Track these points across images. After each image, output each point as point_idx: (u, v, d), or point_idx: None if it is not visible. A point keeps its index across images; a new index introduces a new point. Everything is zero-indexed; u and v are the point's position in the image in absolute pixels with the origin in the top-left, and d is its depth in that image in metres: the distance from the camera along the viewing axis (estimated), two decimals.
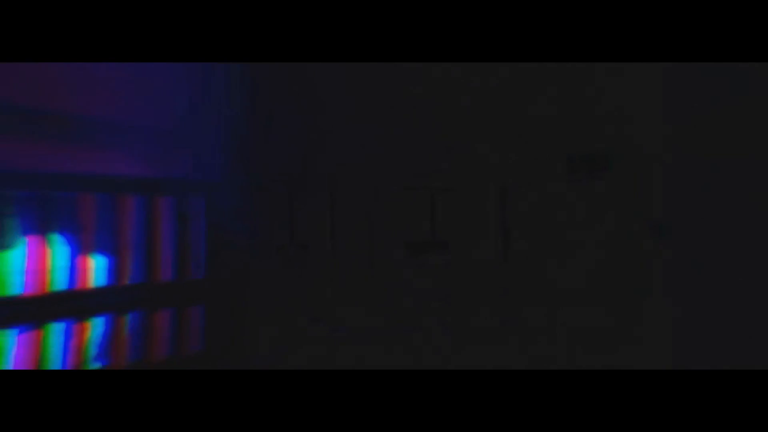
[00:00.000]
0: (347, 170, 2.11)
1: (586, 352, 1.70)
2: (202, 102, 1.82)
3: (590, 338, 1.72)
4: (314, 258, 2.06)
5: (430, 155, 2.16)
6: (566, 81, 1.83)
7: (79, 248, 1.45)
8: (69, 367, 1.43)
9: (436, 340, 1.94)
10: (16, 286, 1.34)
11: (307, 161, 2.05)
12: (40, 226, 1.39)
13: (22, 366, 1.35)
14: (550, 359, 1.76)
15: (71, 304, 1.43)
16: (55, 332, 1.42)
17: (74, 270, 1.45)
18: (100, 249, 1.51)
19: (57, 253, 1.45)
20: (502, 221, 1.98)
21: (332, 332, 1.91)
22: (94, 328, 1.51)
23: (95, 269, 1.59)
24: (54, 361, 1.41)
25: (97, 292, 1.49)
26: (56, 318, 1.42)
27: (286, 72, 1.93)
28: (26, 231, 1.39)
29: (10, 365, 1.34)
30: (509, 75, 1.96)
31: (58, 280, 1.45)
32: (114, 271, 1.52)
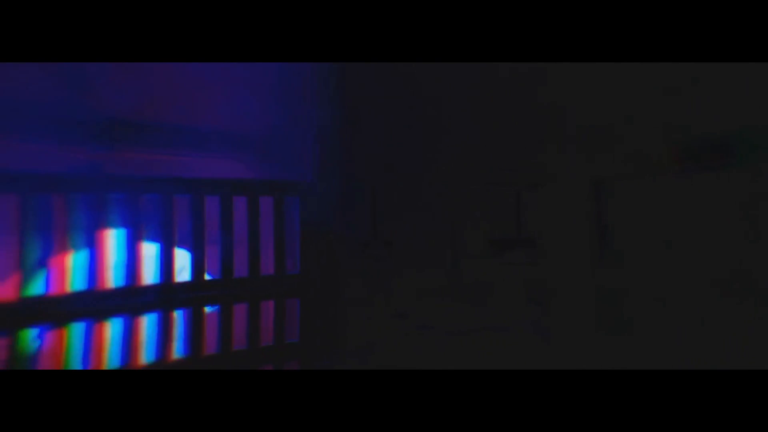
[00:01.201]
0: (429, 166, 2.16)
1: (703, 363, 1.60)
2: (296, 107, 1.98)
3: (709, 351, 1.60)
4: (398, 255, 2.13)
5: (514, 148, 2.14)
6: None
7: (195, 245, 1.66)
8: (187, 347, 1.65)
9: (527, 341, 1.92)
10: (152, 277, 1.58)
11: (391, 158, 2.13)
12: (164, 226, 1.61)
13: (161, 344, 1.58)
14: (658, 362, 1.67)
15: (190, 295, 1.64)
16: (179, 319, 1.65)
17: (193, 264, 1.66)
18: (212, 246, 1.71)
19: (179, 250, 1.67)
20: (596, 218, 1.91)
21: (418, 328, 1.98)
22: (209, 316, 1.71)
23: (208, 264, 1.80)
24: (180, 341, 1.65)
25: (211, 284, 1.69)
26: (180, 306, 1.64)
27: (371, 73, 2.02)
28: (152, 230, 1.63)
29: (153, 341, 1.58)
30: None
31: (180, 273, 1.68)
32: (222, 265, 1.72)
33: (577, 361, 1.60)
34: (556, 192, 2.03)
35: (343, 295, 1.92)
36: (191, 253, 1.65)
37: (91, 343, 1.45)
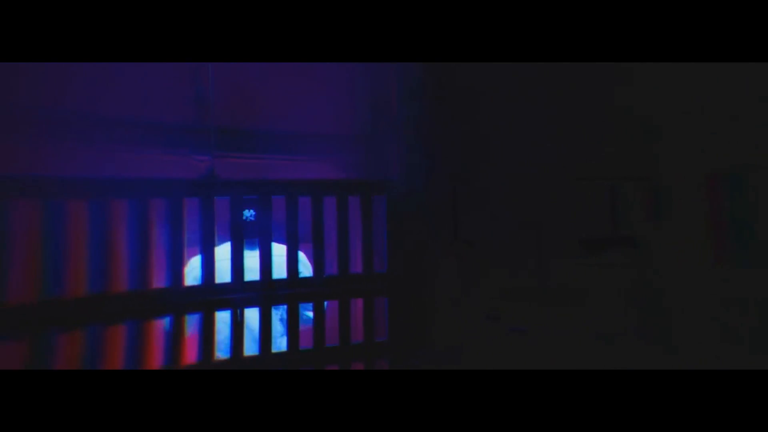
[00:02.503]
0: (513, 161, 2.13)
1: None
2: (383, 109, 2.06)
3: None
4: (482, 255, 2.12)
5: (609, 137, 2.04)
6: None
7: (290, 243, 1.78)
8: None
9: (632, 348, 1.82)
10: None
11: (474, 155, 2.13)
12: (263, 225, 1.75)
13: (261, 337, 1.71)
14: None
15: (286, 291, 1.76)
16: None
17: (288, 262, 1.78)
18: (305, 244, 1.83)
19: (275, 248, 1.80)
20: (713, 215, 1.76)
21: (509, 331, 1.96)
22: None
23: (302, 261, 1.92)
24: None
25: (304, 281, 1.81)
26: (277, 303, 1.77)
27: (454, 72, 2.03)
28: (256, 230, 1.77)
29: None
30: None
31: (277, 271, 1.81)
32: (314, 263, 1.82)
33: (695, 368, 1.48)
34: (663, 185, 1.91)
35: (430, 294, 1.95)
36: (288, 251, 1.77)
37: (204, 333, 1.61)
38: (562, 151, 2.10)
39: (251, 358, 1.72)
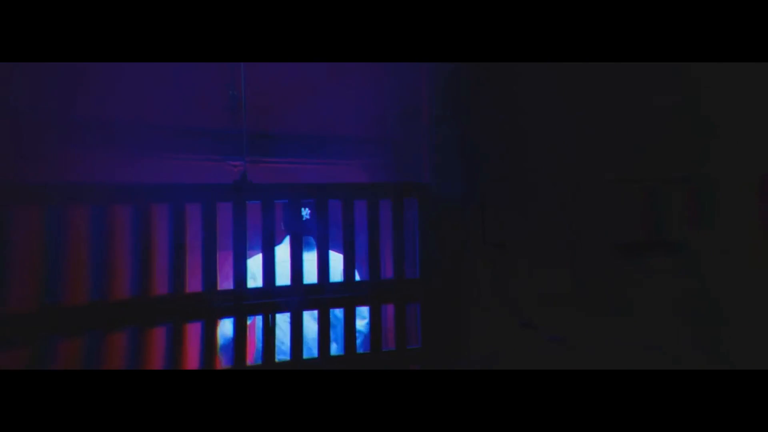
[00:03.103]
0: (551, 162, 2.08)
1: None
2: (412, 110, 2.05)
3: None
4: (514, 258, 2.08)
5: (656, 138, 1.97)
6: None
7: (320, 247, 1.79)
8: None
9: (690, 363, 1.73)
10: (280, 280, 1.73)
11: (507, 156, 2.09)
12: (292, 228, 1.76)
13: (292, 343, 1.72)
14: None
15: (317, 296, 1.77)
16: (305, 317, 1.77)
17: (319, 267, 1.78)
18: (338, 247, 1.83)
19: (308, 251, 1.81)
20: (766, 217, 1.67)
21: (544, 338, 1.90)
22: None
23: (336, 266, 1.93)
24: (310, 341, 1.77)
25: (334, 287, 1.81)
26: (309, 307, 1.77)
27: (486, 74, 2.01)
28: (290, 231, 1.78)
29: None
30: None
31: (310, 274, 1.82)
32: (344, 268, 1.82)
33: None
34: (713, 187, 1.82)
35: (464, 300, 1.92)
36: (320, 255, 1.78)
37: (237, 338, 1.63)
38: (604, 152, 2.03)
39: (282, 363, 1.73)
